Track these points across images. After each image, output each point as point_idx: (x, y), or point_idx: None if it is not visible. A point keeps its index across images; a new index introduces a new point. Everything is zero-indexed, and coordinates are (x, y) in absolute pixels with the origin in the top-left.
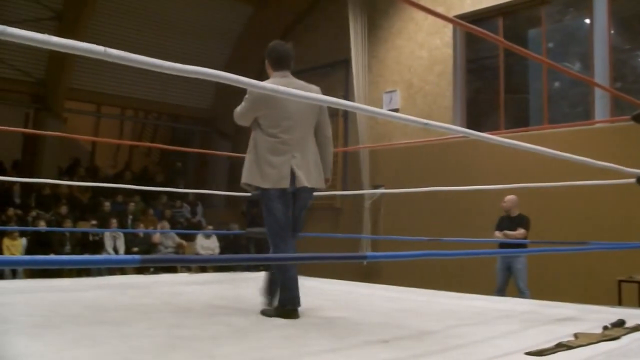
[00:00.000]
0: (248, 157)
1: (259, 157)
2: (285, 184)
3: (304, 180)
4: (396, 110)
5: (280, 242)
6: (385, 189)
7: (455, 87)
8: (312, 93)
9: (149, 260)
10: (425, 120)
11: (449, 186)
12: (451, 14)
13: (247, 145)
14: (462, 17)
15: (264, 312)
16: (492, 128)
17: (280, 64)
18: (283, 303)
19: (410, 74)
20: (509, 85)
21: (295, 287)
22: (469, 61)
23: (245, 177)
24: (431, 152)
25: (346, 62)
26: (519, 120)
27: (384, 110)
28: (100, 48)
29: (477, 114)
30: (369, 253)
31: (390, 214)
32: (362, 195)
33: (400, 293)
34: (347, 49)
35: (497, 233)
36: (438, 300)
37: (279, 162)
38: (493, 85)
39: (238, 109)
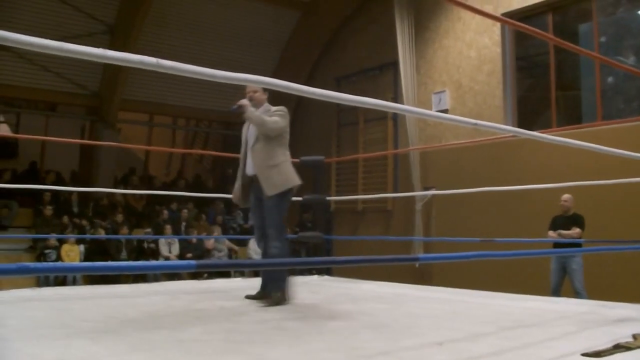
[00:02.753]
0: (284, 164)
1: (289, 162)
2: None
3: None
4: (445, 111)
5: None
6: (437, 190)
7: (506, 86)
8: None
9: (204, 265)
10: (473, 121)
11: (501, 186)
12: (499, 11)
13: (286, 151)
14: (510, 14)
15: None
16: (544, 126)
17: None
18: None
19: (459, 74)
20: (561, 82)
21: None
22: (518, 59)
23: (293, 180)
24: (482, 153)
25: (394, 64)
26: (572, 117)
27: (430, 112)
28: (153, 60)
29: (528, 112)
30: (421, 255)
31: (441, 215)
32: (413, 198)
33: (453, 295)
34: (395, 51)
35: (551, 233)
36: (492, 301)
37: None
38: (544, 82)
39: (280, 122)
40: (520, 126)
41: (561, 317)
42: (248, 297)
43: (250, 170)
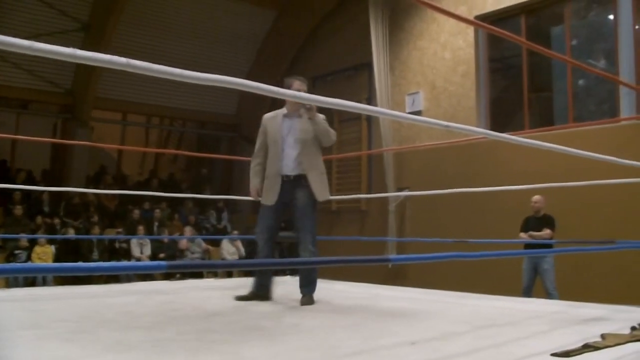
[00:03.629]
0: (324, 176)
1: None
2: None
3: None
4: (419, 112)
5: None
6: (411, 191)
7: (479, 88)
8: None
9: (175, 266)
10: (445, 123)
11: (475, 187)
12: (473, 13)
13: None
14: (484, 16)
15: (242, 298)
16: (517, 128)
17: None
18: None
19: (433, 75)
20: (534, 84)
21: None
22: (492, 60)
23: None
24: (456, 154)
25: (369, 65)
26: (544, 119)
27: (403, 114)
28: (123, 59)
29: (502, 113)
30: (393, 256)
31: (415, 216)
32: (387, 198)
33: (427, 295)
34: (370, 52)
35: (523, 234)
36: (465, 301)
37: None
38: (518, 84)
39: (333, 131)
40: (493, 127)
41: (533, 316)
42: (239, 298)
43: (289, 170)
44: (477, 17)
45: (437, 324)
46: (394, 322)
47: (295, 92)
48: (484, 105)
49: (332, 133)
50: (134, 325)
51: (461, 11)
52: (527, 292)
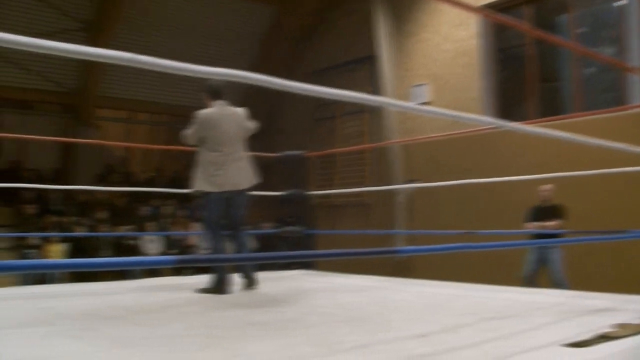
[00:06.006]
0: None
1: (205, 169)
2: (224, 188)
3: (238, 185)
4: (426, 103)
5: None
6: (418, 183)
7: (483, 79)
8: (241, 112)
9: (183, 260)
10: (453, 113)
11: (482, 178)
12: (479, 3)
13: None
14: (488, 6)
15: (205, 290)
16: (523, 118)
17: (216, 96)
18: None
19: (436, 67)
20: (540, 74)
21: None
22: (497, 50)
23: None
24: (463, 145)
25: (371, 58)
26: (551, 109)
27: (410, 104)
28: (128, 55)
29: (507, 104)
30: (401, 247)
31: (422, 208)
32: (392, 191)
33: (433, 287)
34: (371, 45)
35: (531, 224)
36: (472, 293)
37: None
38: (523, 74)
39: (187, 131)
40: (499, 118)
41: (540, 307)
42: (200, 290)
43: None
44: (481, 8)
45: (444, 316)
46: (400, 315)
47: (305, 86)
48: (488, 96)
49: (185, 133)
50: (140, 322)
51: (465, 1)
52: (530, 282)
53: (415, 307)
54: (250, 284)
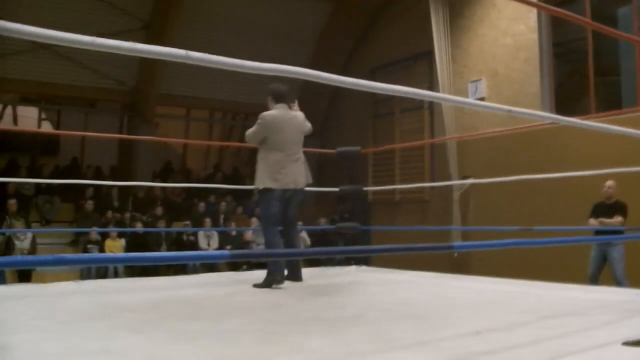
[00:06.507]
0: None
1: (269, 168)
2: (286, 187)
3: (298, 183)
4: (482, 99)
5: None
6: (474, 179)
7: (542, 73)
8: (301, 116)
9: (238, 255)
10: (508, 107)
11: (540, 174)
12: None
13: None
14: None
15: (262, 285)
16: (583, 113)
17: (280, 99)
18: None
19: (494, 62)
20: (600, 68)
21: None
22: (555, 45)
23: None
24: (520, 140)
25: (429, 54)
26: (611, 103)
27: (466, 99)
28: (182, 51)
29: (566, 99)
30: (456, 243)
31: (479, 204)
32: (450, 187)
33: (492, 284)
34: (429, 41)
35: (592, 220)
36: (530, 290)
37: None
38: (582, 68)
39: (251, 131)
40: (558, 113)
41: (601, 306)
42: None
43: None
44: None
45: (502, 314)
46: (458, 312)
47: (358, 81)
48: (547, 90)
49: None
50: (199, 316)
51: None
52: (593, 280)
53: (473, 303)
54: (295, 279)
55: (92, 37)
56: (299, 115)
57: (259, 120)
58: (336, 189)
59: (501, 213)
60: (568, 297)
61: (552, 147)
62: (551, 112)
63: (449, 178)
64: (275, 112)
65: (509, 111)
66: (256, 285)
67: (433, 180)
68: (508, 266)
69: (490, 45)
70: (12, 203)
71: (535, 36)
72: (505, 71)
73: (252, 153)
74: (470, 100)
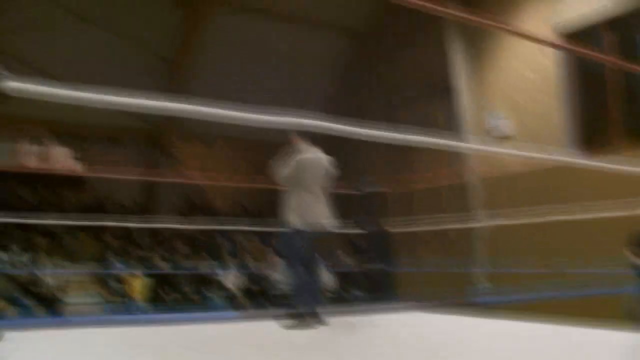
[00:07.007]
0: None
1: (298, 207)
2: (314, 227)
3: (325, 224)
4: (504, 133)
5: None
6: (499, 216)
7: (565, 104)
8: (325, 159)
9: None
10: (528, 154)
11: (569, 203)
12: (553, 20)
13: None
14: (569, 34)
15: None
16: (609, 143)
17: (304, 134)
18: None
19: (516, 94)
20: (626, 97)
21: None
22: (580, 74)
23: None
24: (545, 176)
25: (449, 88)
26: (637, 132)
27: (488, 147)
28: (191, 107)
29: (591, 129)
30: (485, 297)
31: (505, 242)
32: (471, 222)
33: (522, 329)
34: (450, 74)
35: (630, 255)
36: (564, 332)
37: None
38: (607, 97)
39: (282, 171)
40: (583, 144)
41: None
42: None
43: None
44: (557, 29)
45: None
46: None
47: (372, 132)
48: (571, 122)
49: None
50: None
51: (539, 19)
52: (633, 317)
53: (506, 355)
54: (316, 320)
55: (99, 94)
56: (325, 157)
57: (293, 163)
58: (359, 231)
59: (528, 251)
60: (606, 341)
61: (580, 181)
62: (575, 144)
63: (473, 215)
64: (307, 155)
65: (531, 157)
66: (287, 326)
67: (456, 218)
68: (538, 305)
69: (511, 77)
70: (43, 241)
71: (556, 67)
72: (526, 103)
73: (278, 190)
74: (494, 148)
